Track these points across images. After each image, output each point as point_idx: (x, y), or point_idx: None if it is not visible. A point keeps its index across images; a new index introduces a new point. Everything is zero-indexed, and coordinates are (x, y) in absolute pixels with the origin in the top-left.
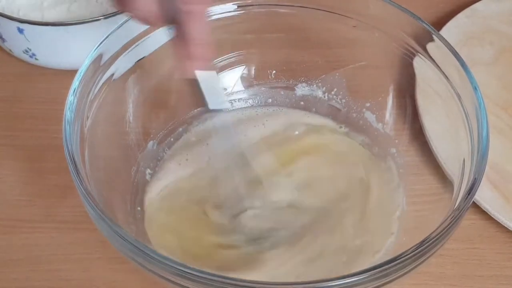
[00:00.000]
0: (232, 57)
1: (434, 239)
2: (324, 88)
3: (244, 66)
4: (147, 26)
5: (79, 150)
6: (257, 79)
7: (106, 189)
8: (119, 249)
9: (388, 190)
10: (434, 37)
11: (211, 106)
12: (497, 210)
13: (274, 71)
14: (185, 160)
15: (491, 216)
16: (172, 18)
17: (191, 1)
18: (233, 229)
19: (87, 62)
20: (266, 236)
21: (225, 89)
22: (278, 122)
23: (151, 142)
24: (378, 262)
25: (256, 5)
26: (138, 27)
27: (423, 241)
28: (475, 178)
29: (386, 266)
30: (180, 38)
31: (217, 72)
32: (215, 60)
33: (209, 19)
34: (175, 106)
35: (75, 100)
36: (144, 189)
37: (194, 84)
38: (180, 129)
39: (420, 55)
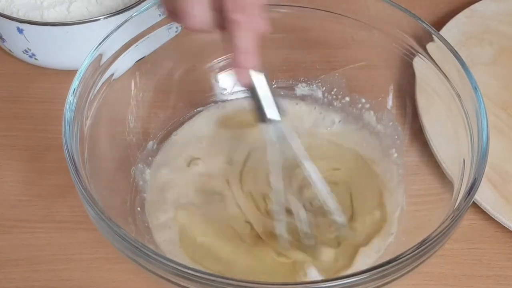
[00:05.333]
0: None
1: (434, 239)
2: (324, 88)
3: None
4: (147, 26)
5: (79, 150)
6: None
7: (106, 189)
8: (119, 249)
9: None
10: (434, 37)
11: (269, 115)
12: (497, 210)
13: (274, 71)
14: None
15: (491, 216)
16: (223, 26)
17: (237, 10)
18: None
19: (87, 62)
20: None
21: (225, 89)
22: None
23: (151, 142)
24: (378, 262)
25: None
26: (138, 27)
27: (423, 241)
28: (475, 178)
29: (386, 266)
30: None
31: (268, 83)
32: (215, 60)
33: (257, 30)
34: (175, 106)
35: (75, 100)
36: (144, 189)
37: (251, 94)
38: (180, 129)
39: (420, 55)
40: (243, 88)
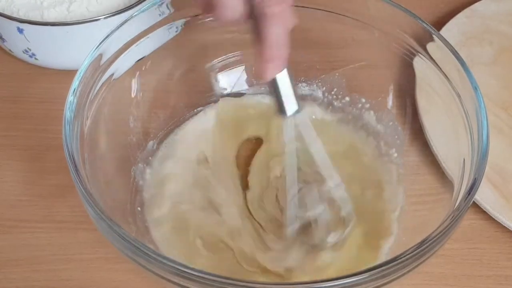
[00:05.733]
0: (232, 57)
1: (434, 239)
2: (324, 88)
3: (244, 66)
4: (147, 26)
5: (79, 150)
6: (257, 79)
7: (106, 189)
8: (119, 249)
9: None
10: (434, 37)
11: (288, 112)
12: (497, 210)
13: None
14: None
15: (491, 216)
16: (253, 17)
17: (272, 4)
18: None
19: (87, 62)
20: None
21: (225, 89)
22: None
23: (151, 142)
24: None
25: None
26: (138, 27)
27: (423, 241)
28: (475, 178)
29: (386, 266)
30: (259, 39)
31: (291, 77)
32: (215, 60)
33: (289, 24)
34: (175, 106)
35: (75, 100)
36: (144, 188)
37: (272, 89)
38: (179, 128)
39: (420, 55)
40: (242, 89)
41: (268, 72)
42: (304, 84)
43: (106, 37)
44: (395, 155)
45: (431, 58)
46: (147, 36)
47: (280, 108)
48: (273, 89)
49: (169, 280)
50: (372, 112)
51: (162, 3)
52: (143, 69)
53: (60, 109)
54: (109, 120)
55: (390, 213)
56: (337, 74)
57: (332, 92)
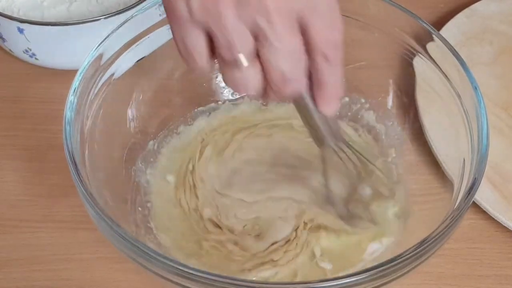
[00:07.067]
0: None
1: (434, 239)
2: None
3: None
4: (147, 26)
5: (79, 150)
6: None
7: (106, 189)
8: (119, 249)
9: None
10: (434, 37)
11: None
12: (497, 210)
13: None
14: None
15: (491, 216)
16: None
17: (329, 55)
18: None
19: (87, 62)
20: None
21: (225, 88)
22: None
23: (151, 142)
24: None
25: None
26: (138, 27)
27: (423, 241)
28: (475, 178)
29: (386, 266)
30: (316, 84)
31: None
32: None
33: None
34: (175, 106)
35: (76, 100)
36: (144, 188)
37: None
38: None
39: (420, 55)
40: None
41: (330, 109)
42: None
43: (107, 37)
44: (395, 154)
45: (431, 58)
46: (147, 36)
47: (321, 139)
48: (316, 121)
49: (169, 280)
50: (372, 112)
51: (162, 3)
52: (143, 69)
53: (60, 109)
54: (109, 120)
55: (389, 213)
56: None
57: None
